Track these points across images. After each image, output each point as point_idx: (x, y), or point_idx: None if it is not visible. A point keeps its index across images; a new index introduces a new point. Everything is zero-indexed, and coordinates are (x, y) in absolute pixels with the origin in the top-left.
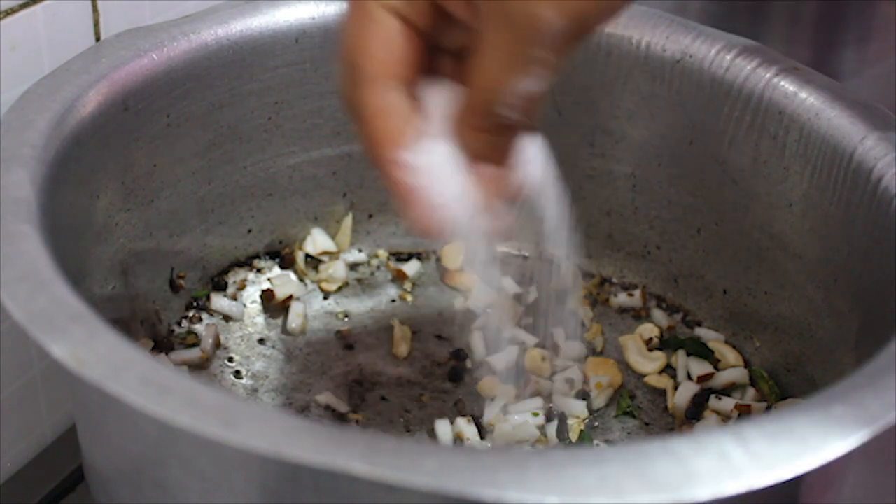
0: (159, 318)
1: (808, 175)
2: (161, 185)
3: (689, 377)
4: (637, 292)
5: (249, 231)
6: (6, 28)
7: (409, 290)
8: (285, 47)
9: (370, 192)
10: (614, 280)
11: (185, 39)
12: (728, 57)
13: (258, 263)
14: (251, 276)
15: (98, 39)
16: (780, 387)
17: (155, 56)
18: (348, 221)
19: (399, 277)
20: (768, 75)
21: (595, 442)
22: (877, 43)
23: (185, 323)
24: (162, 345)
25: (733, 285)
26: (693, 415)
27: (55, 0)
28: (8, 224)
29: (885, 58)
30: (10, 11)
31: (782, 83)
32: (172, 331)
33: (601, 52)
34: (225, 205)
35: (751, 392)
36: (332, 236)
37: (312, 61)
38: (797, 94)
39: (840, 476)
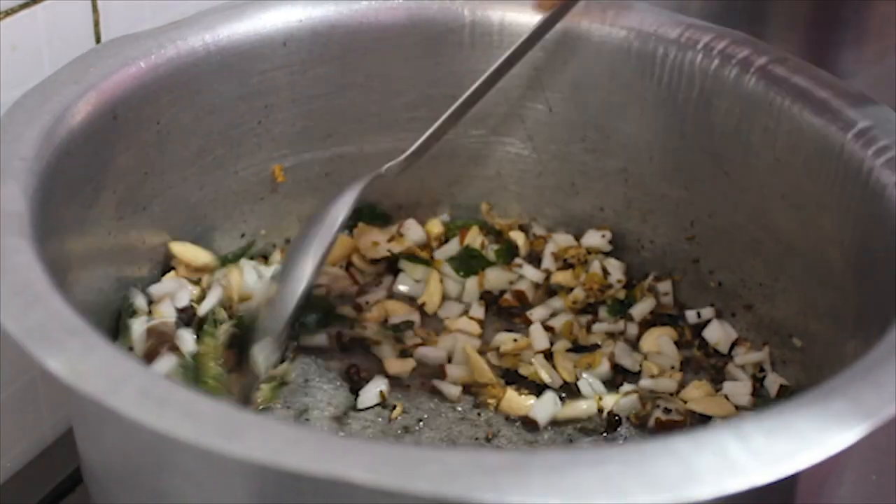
0: None
1: (798, 166)
2: (153, 192)
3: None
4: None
5: (242, 235)
6: (6, 28)
7: None
8: (273, 51)
9: (363, 192)
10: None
11: (173, 46)
12: (717, 49)
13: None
14: None
15: (98, 39)
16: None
17: (143, 64)
18: None
19: None
20: (757, 66)
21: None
22: (875, 43)
23: None
24: None
25: (727, 278)
26: None
27: (55, 0)
28: (1, 239)
29: (885, 58)
30: (10, 11)
31: (772, 73)
32: None
33: (591, 48)
34: (217, 210)
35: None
36: None
37: (301, 64)
38: (786, 83)
39: (839, 471)
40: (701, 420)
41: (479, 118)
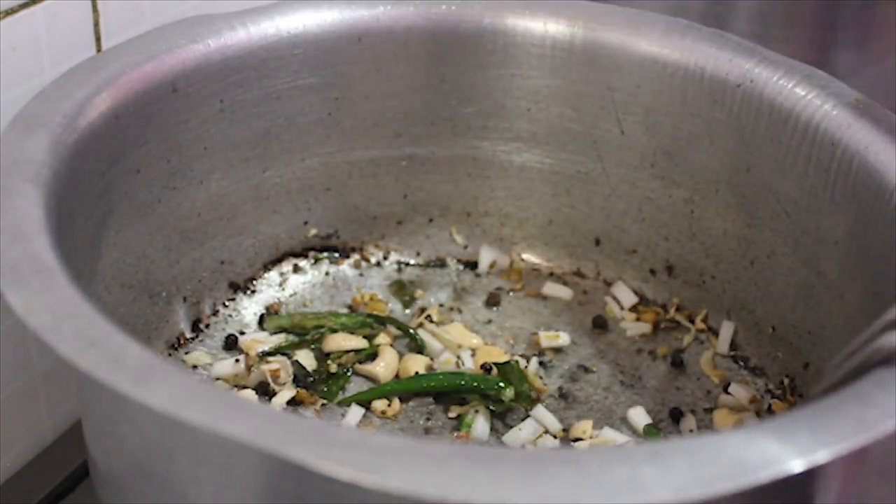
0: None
1: (854, 211)
2: (212, 168)
3: None
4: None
5: (305, 223)
6: (6, 28)
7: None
8: (348, 45)
9: (431, 195)
10: (668, 307)
11: (244, 29)
12: (789, 84)
13: (314, 255)
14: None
15: (98, 39)
16: None
17: (210, 42)
18: None
19: None
20: (826, 105)
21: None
22: (877, 43)
23: (229, 304)
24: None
25: (781, 322)
26: None
27: (55, 0)
28: (11, 182)
29: (885, 58)
30: (10, 11)
31: (838, 115)
32: (217, 311)
33: (666, 73)
34: (280, 194)
35: None
36: (390, 237)
37: (374, 61)
38: (851, 126)
39: (840, 476)
40: None
41: (551, 133)
